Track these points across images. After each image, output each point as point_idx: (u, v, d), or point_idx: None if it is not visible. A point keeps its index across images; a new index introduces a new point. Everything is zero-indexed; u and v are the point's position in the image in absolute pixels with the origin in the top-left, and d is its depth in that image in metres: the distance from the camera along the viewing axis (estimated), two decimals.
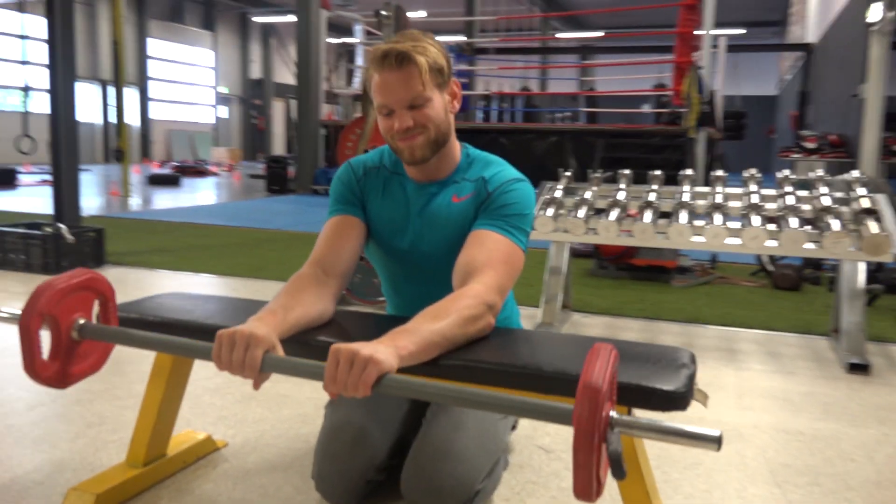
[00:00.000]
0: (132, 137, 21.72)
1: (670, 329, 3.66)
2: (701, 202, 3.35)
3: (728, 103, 15.61)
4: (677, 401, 1.32)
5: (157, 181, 13.78)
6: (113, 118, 19.41)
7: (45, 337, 1.42)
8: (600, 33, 23.20)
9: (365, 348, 1.24)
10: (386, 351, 1.26)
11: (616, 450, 1.07)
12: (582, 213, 3.29)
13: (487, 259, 1.57)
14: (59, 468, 1.95)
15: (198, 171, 17.32)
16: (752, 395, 2.69)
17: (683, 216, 3.17)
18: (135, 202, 9.99)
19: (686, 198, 3.33)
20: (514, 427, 2.06)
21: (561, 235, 3.30)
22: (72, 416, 2.32)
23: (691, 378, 1.37)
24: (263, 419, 2.32)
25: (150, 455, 1.87)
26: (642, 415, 1.31)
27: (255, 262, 5.31)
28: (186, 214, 8.53)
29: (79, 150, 5.27)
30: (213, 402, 2.46)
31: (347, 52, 12.63)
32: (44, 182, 12.15)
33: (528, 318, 3.78)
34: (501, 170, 1.74)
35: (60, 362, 1.47)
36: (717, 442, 1.05)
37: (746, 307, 4.12)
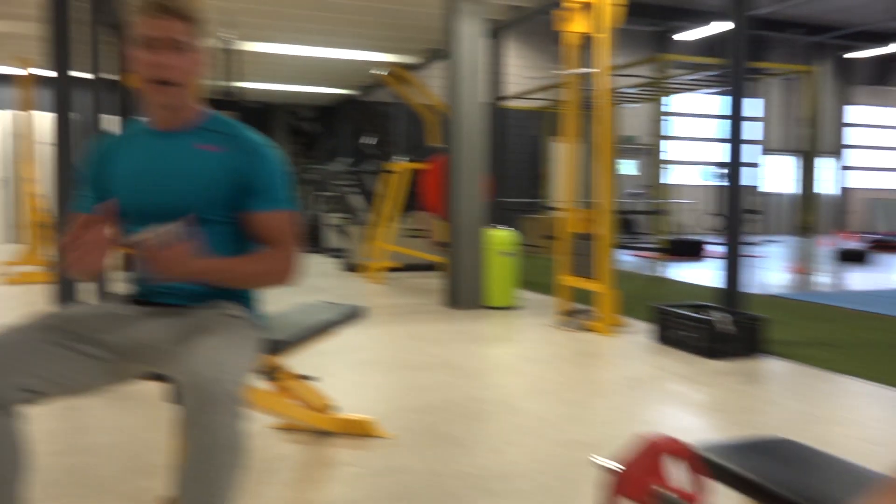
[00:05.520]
0: (827, 208, 21.00)
1: None
2: None
3: None
4: None
5: (845, 257, 12.80)
6: (805, 190, 19.03)
7: None
8: None
9: None
10: None
11: None
12: None
13: None
14: None
15: (892, 245, 15.32)
16: None
17: None
18: (815, 281, 9.45)
19: None
20: None
21: None
22: None
23: None
24: None
25: None
26: None
27: None
28: (867, 300, 7.63)
29: (740, 231, 5.29)
30: None
31: None
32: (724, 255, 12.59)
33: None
34: None
35: None
36: None
37: None
